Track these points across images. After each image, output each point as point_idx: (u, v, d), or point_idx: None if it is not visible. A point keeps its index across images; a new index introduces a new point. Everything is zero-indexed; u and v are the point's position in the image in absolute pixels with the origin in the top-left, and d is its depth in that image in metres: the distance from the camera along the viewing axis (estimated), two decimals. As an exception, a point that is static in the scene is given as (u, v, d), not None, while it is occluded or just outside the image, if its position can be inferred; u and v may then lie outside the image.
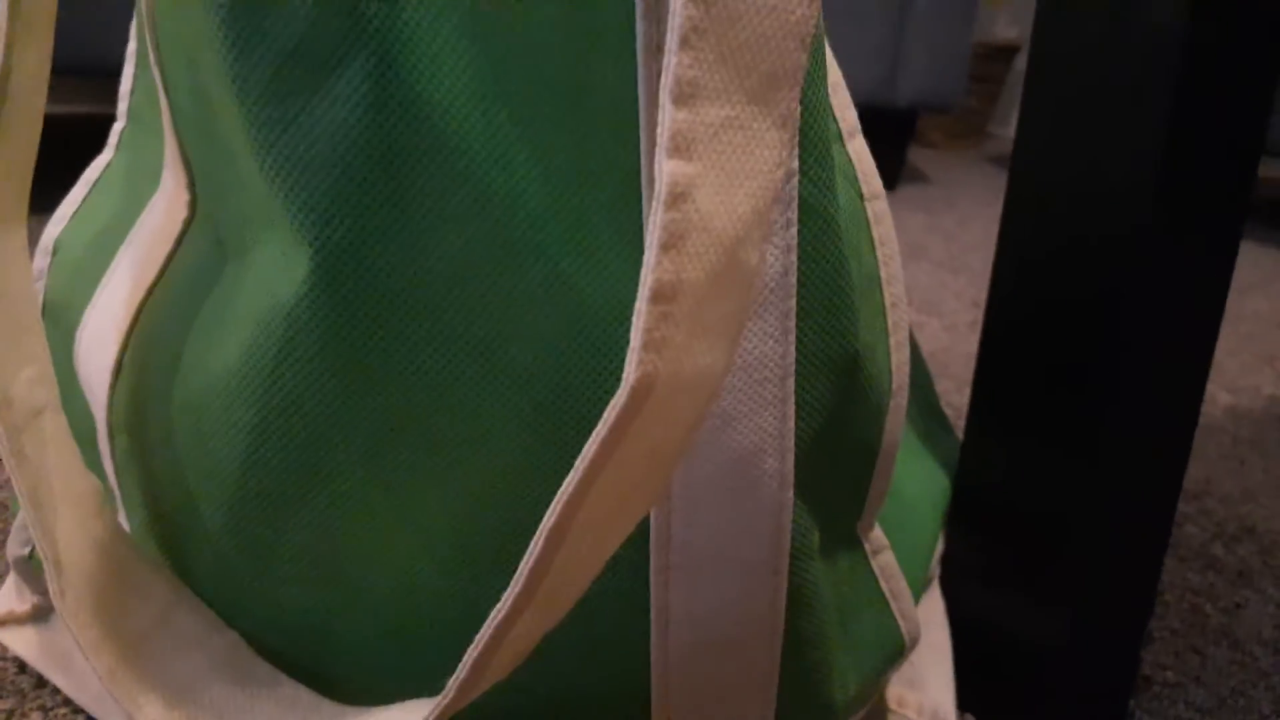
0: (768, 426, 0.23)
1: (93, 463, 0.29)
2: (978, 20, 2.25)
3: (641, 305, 0.16)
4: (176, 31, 0.24)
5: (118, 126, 0.32)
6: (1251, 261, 1.27)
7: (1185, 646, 0.41)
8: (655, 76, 0.21)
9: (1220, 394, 0.76)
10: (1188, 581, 0.47)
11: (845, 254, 0.24)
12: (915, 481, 0.36)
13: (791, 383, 0.23)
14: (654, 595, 0.24)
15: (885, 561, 0.30)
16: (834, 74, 0.26)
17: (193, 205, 0.26)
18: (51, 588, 0.23)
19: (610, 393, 0.22)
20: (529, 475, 0.23)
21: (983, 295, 0.98)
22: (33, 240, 0.84)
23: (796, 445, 0.24)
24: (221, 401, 0.23)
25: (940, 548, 0.37)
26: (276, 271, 0.22)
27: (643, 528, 0.24)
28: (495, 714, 0.26)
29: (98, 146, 1.35)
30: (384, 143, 0.21)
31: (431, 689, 0.25)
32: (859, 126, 0.26)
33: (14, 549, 0.33)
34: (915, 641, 0.31)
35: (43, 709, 0.33)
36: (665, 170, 0.17)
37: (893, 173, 1.60)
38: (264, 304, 0.22)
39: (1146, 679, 0.39)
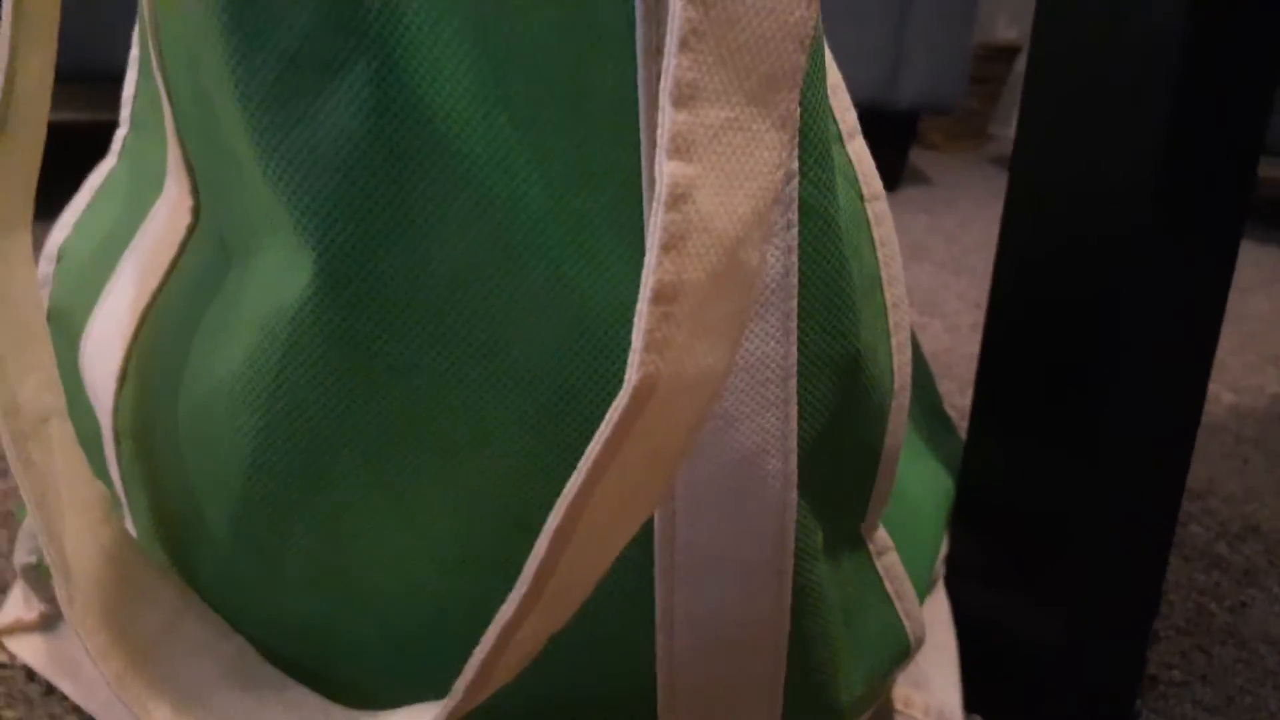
0: (770, 427, 0.23)
1: (99, 469, 0.29)
2: (978, 21, 2.25)
3: (643, 306, 0.17)
4: (179, 37, 0.24)
5: (121, 133, 0.33)
6: (1254, 261, 1.27)
7: (1191, 646, 0.41)
8: (655, 79, 0.21)
9: (1224, 393, 0.76)
10: (1193, 581, 0.47)
11: (846, 254, 0.24)
12: (919, 482, 0.36)
13: (794, 383, 0.23)
14: (659, 596, 0.24)
15: (890, 562, 0.30)
16: (833, 75, 0.26)
17: (196, 211, 0.26)
18: (59, 594, 0.23)
19: (613, 394, 0.22)
20: (533, 477, 0.23)
21: (985, 296, 0.98)
22: (37, 246, 0.84)
23: (799, 446, 0.24)
24: (226, 406, 0.23)
25: (945, 548, 0.37)
26: (280, 276, 0.22)
27: (647, 529, 0.24)
28: (502, 717, 0.26)
29: (101, 153, 1.35)
30: (386, 146, 0.21)
31: (439, 692, 0.25)
32: (859, 128, 0.26)
33: (21, 557, 0.33)
34: (920, 642, 0.31)
35: (51, 716, 0.33)
36: (666, 171, 0.17)
37: (894, 174, 1.60)
38: (268, 308, 0.22)
39: (1153, 678, 0.39)
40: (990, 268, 1.10)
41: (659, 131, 0.17)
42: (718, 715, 0.26)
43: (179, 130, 0.26)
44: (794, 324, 0.23)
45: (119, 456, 0.27)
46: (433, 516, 0.23)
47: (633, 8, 0.21)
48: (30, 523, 0.33)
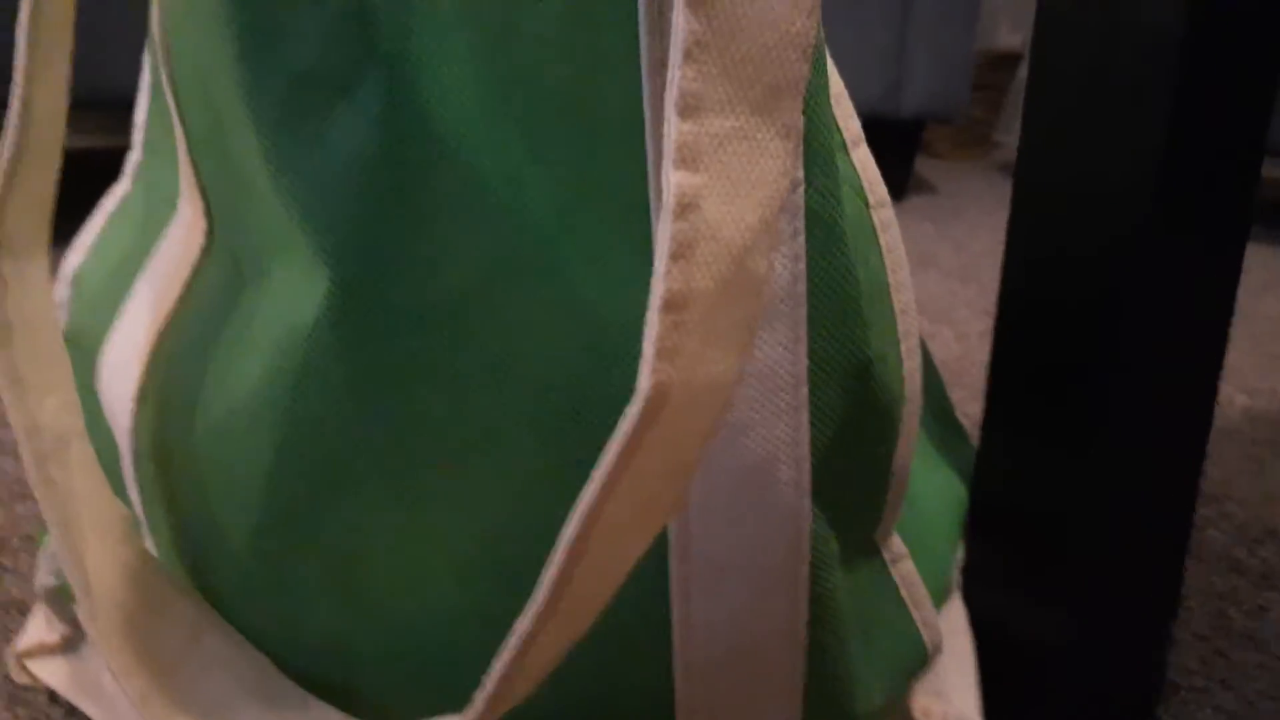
0: (782, 435, 0.23)
1: (118, 489, 0.29)
2: (980, 29, 2.26)
3: (653, 315, 0.17)
4: (190, 60, 0.24)
5: (133, 157, 0.33)
6: (1265, 263, 1.27)
7: (1210, 651, 0.41)
8: (660, 91, 0.21)
9: (1237, 396, 0.75)
10: (1211, 586, 0.47)
11: (853, 261, 0.24)
12: (932, 489, 0.36)
13: (804, 390, 0.23)
14: (675, 606, 0.24)
15: (905, 570, 0.30)
16: (836, 85, 0.26)
17: (209, 232, 0.27)
18: (82, 613, 0.24)
19: (626, 404, 0.22)
20: (548, 489, 0.23)
21: (994, 304, 0.98)
22: (53, 271, 0.85)
23: (812, 454, 0.24)
24: (243, 425, 0.23)
25: (960, 555, 0.37)
26: (294, 293, 0.22)
27: (661, 539, 0.24)
28: (520, 729, 0.26)
29: (114, 177, 1.36)
30: (397, 164, 0.21)
31: (458, 705, 0.26)
32: (863, 136, 0.26)
33: (43, 579, 0.33)
34: (938, 650, 0.31)
35: (72, 737, 0.33)
36: (672, 181, 0.17)
37: (900, 183, 1.60)
38: (283, 326, 0.23)
39: (1173, 684, 0.39)
40: (998, 275, 1.10)
41: (665, 142, 0.17)
42: (736, 724, 0.26)
43: (191, 152, 0.26)
44: (803, 331, 0.23)
45: (138, 477, 0.27)
46: (449, 530, 0.24)
47: (637, 22, 0.21)
48: (51, 545, 0.33)
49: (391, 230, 0.22)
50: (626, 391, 0.22)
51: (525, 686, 0.20)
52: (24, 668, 0.34)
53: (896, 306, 0.27)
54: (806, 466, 0.24)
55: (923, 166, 2.06)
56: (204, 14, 0.23)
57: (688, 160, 0.17)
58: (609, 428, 0.23)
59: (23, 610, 0.40)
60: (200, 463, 0.25)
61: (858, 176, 0.26)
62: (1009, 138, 2.32)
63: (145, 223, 0.31)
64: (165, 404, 0.26)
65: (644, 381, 0.17)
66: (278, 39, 0.21)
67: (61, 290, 0.32)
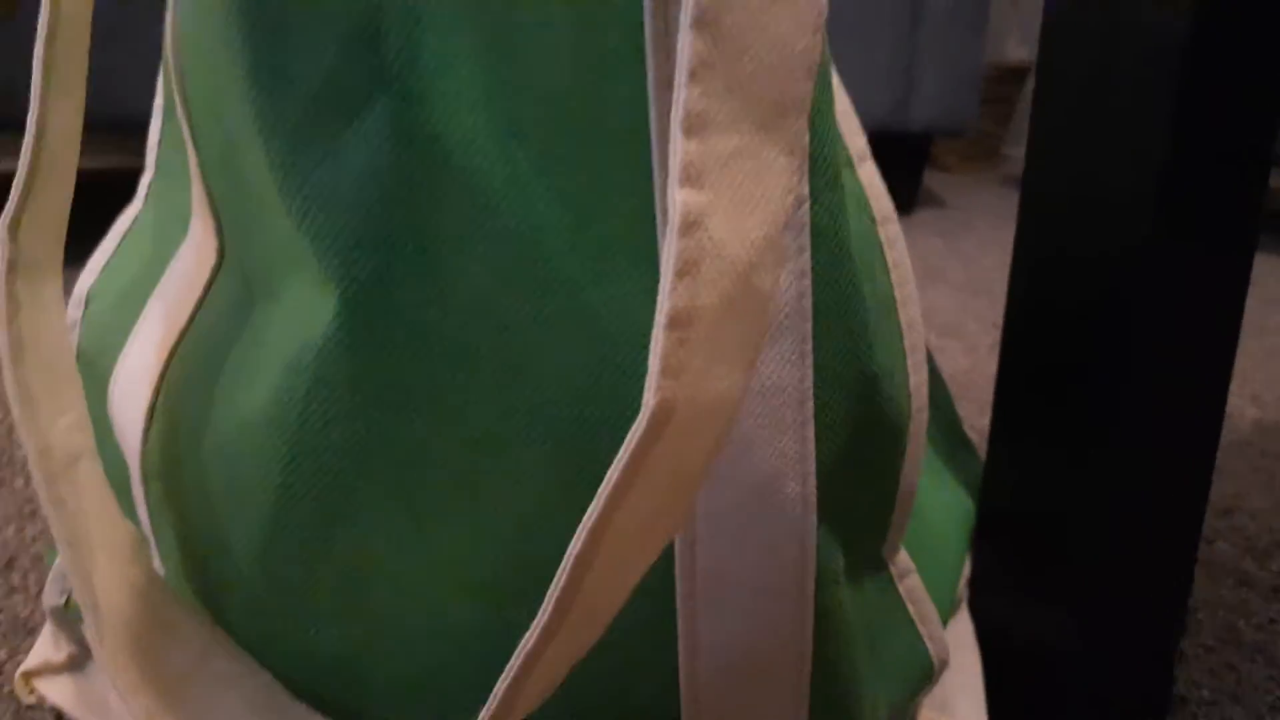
0: (788, 450, 0.23)
1: (127, 509, 0.29)
2: (988, 42, 2.26)
3: (658, 332, 0.17)
4: (202, 81, 0.25)
5: (146, 178, 0.33)
6: (1275, 275, 1.27)
7: (1220, 663, 0.41)
8: (666, 110, 0.21)
9: (1248, 409, 0.75)
10: (1221, 598, 0.46)
11: (859, 277, 0.24)
12: (940, 504, 0.36)
13: (810, 406, 0.23)
14: (681, 622, 0.24)
15: (912, 585, 0.30)
16: (842, 101, 0.26)
17: (221, 251, 0.27)
18: (89, 632, 0.24)
19: (633, 420, 0.23)
20: (556, 505, 0.23)
21: (1002, 317, 0.98)
22: (66, 291, 0.85)
23: (818, 469, 0.24)
24: (253, 442, 0.24)
25: (967, 570, 0.37)
26: (304, 312, 0.23)
27: (667, 555, 0.24)
28: (528, 746, 0.26)
29: (128, 199, 1.37)
30: (407, 181, 0.22)
31: (464, 722, 0.26)
32: (869, 152, 0.27)
33: (50, 599, 0.33)
34: (944, 665, 0.31)
35: (81, 754, 0.33)
36: (678, 199, 0.17)
37: (909, 197, 1.60)
38: (293, 344, 0.23)
39: (1182, 698, 0.39)
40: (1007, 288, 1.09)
41: (670, 160, 0.17)
42: (744, 741, 0.26)
43: (203, 172, 0.27)
44: (809, 347, 0.23)
45: (147, 497, 0.27)
46: (457, 547, 0.24)
47: (643, 41, 0.21)
48: (59, 565, 0.33)
49: (401, 248, 0.22)
50: (633, 406, 0.23)
51: (530, 701, 0.20)
52: (31, 687, 0.34)
53: (903, 321, 0.27)
54: (813, 482, 0.24)
55: (931, 180, 2.06)
56: (215, 37, 0.23)
57: (693, 178, 0.17)
58: (616, 443, 0.23)
59: (31, 629, 0.40)
60: (209, 482, 0.25)
61: (864, 192, 0.26)
62: (1017, 151, 2.32)
63: (158, 243, 0.32)
64: (175, 423, 0.26)
65: (650, 398, 0.17)
66: (288, 61, 0.22)
67: (74, 310, 0.33)
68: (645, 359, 0.22)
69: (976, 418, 0.70)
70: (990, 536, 0.36)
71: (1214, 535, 0.53)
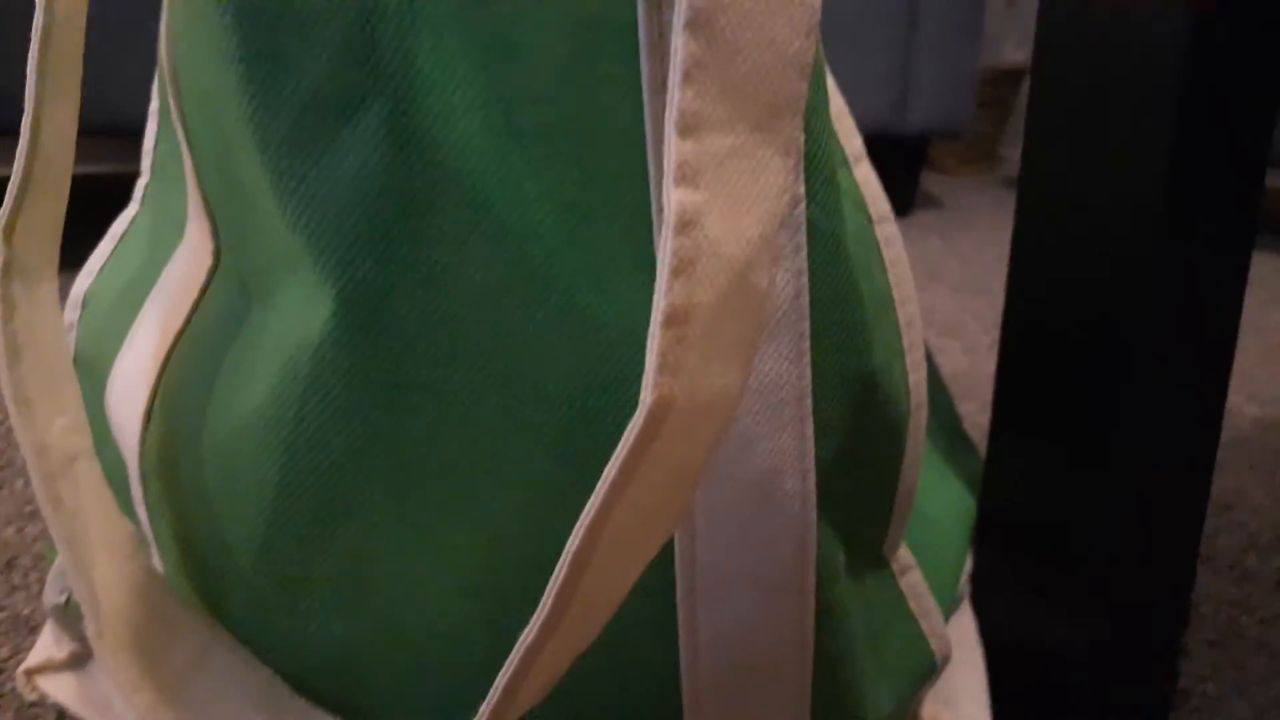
0: (787, 447, 0.24)
1: (126, 509, 0.29)
2: (985, 45, 2.26)
3: (655, 329, 0.17)
4: (197, 86, 0.25)
5: (142, 181, 0.33)
6: (1276, 274, 1.27)
7: (1223, 658, 0.41)
8: (661, 111, 0.21)
9: (1248, 406, 0.75)
10: (1223, 593, 0.46)
11: (856, 276, 0.24)
12: (940, 501, 0.36)
13: (809, 403, 0.24)
14: (682, 619, 0.24)
15: (913, 581, 0.30)
16: (837, 102, 0.26)
17: (217, 254, 0.27)
18: (90, 630, 0.24)
19: (630, 418, 0.23)
20: (554, 504, 0.23)
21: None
22: (64, 295, 0.85)
23: (817, 466, 0.24)
24: (250, 443, 0.24)
25: (969, 566, 0.37)
26: (301, 313, 0.23)
27: (667, 552, 0.24)
28: (528, 745, 0.26)
29: (124, 204, 1.37)
30: (402, 183, 0.22)
31: (466, 719, 0.26)
32: (864, 152, 0.27)
33: (51, 597, 0.33)
34: (946, 660, 0.31)
35: (82, 756, 0.33)
36: (673, 199, 0.17)
37: (907, 199, 1.61)
38: (289, 345, 0.23)
39: (1185, 692, 0.39)
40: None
41: (665, 161, 0.17)
42: (744, 738, 0.26)
43: (198, 175, 0.27)
44: (807, 345, 0.23)
45: (146, 496, 0.28)
46: (455, 544, 0.24)
47: (637, 43, 0.22)
48: (60, 563, 0.34)
49: (396, 249, 0.22)
50: (631, 406, 0.23)
51: (530, 699, 0.20)
52: (33, 684, 0.34)
53: (901, 320, 0.27)
54: (812, 478, 0.24)
55: (929, 182, 2.06)
56: (210, 42, 0.23)
57: (688, 178, 0.17)
58: (614, 442, 0.23)
59: (33, 628, 0.40)
60: (207, 482, 0.25)
61: (860, 192, 0.26)
62: (1014, 152, 2.33)
63: (154, 245, 0.32)
64: (172, 424, 0.26)
65: (647, 395, 0.17)
66: (283, 65, 0.22)
67: (71, 313, 0.33)
68: (642, 358, 0.22)
69: (978, 416, 0.70)
70: (991, 534, 0.36)
71: (1216, 531, 0.53)
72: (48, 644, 0.35)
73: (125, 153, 1.79)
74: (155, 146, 0.33)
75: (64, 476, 0.25)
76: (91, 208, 1.35)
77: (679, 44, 0.17)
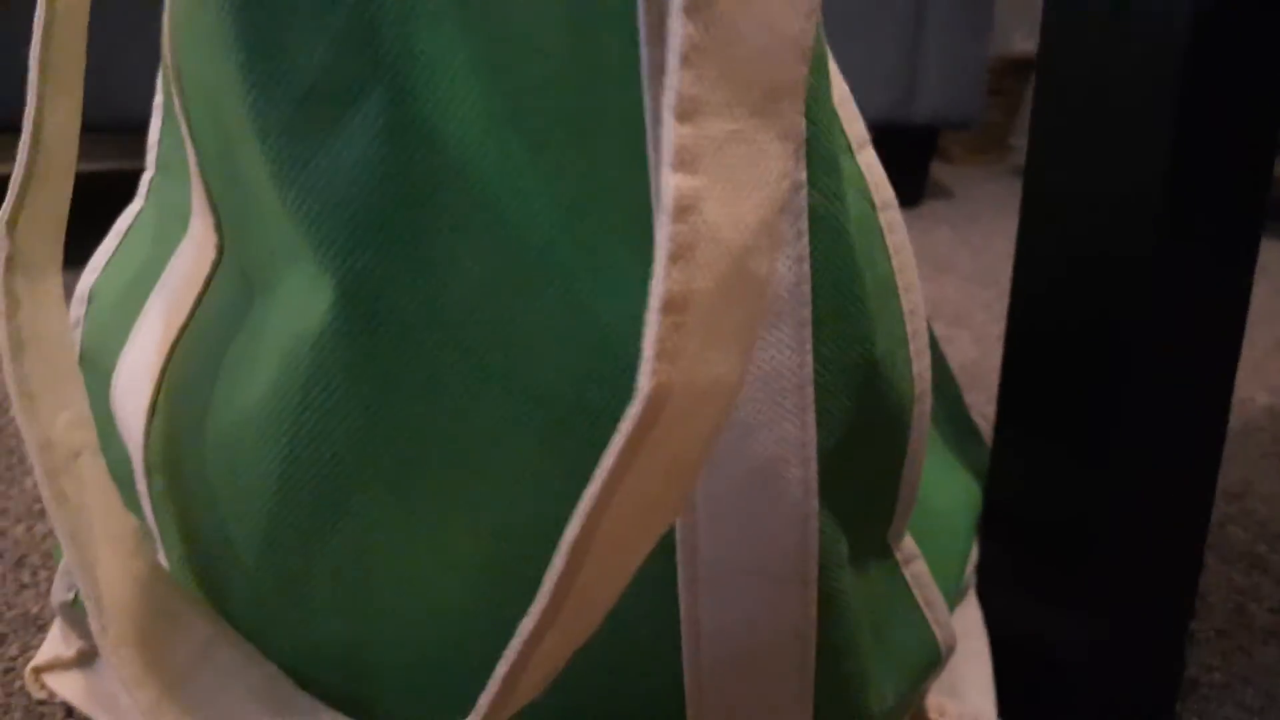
0: (789, 435, 0.23)
1: (131, 503, 0.29)
2: (994, 35, 2.25)
3: (653, 316, 0.17)
4: (199, 78, 0.25)
5: (147, 176, 0.33)
6: (1285, 260, 1.26)
7: (1232, 647, 0.41)
8: (660, 98, 0.21)
9: (1260, 394, 0.75)
10: (1232, 582, 0.46)
11: (859, 262, 0.24)
12: (945, 491, 0.36)
13: (810, 391, 0.23)
14: (683, 609, 0.24)
15: (917, 570, 0.30)
16: (840, 88, 0.26)
17: (220, 247, 0.27)
18: (93, 625, 0.24)
19: (630, 408, 0.22)
20: (556, 495, 0.23)
21: (1011, 306, 0.97)
22: (71, 291, 0.86)
23: (819, 454, 0.24)
24: (252, 435, 0.24)
25: (975, 556, 0.37)
26: (301, 304, 0.23)
27: (669, 542, 0.24)
28: (533, 736, 0.26)
29: (129, 200, 1.38)
30: (401, 174, 0.22)
31: (468, 713, 0.26)
32: (868, 138, 0.26)
33: (59, 595, 0.34)
34: (951, 650, 0.31)
35: (91, 750, 0.33)
36: (671, 184, 0.17)
37: (916, 189, 1.60)
38: (289, 337, 0.23)
39: (1194, 681, 0.38)
40: (1015, 278, 1.09)
41: (663, 145, 0.17)
42: (749, 729, 0.26)
43: (202, 169, 0.27)
44: (808, 332, 0.23)
45: (150, 490, 0.28)
46: (456, 537, 0.24)
47: (637, 30, 0.21)
48: (67, 561, 0.34)
49: (396, 240, 0.22)
50: (631, 397, 0.22)
51: (530, 690, 0.20)
52: (41, 682, 0.34)
53: (905, 308, 0.27)
54: (814, 467, 0.24)
55: (939, 171, 2.05)
56: (210, 34, 0.23)
57: (686, 163, 0.17)
58: (613, 433, 0.23)
59: (41, 626, 0.40)
60: (210, 475, 0.25)
61: (863, 179, 0.26)
62: (1024, 142, 2.31)
63: (159, 240, 0.32)
64: (176, 417, 0.26)
65: (644, 382, 0.17)
66: (282, 57, 0.22)
67: (77, 308, 0.33)
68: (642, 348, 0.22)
69: (986, 406, 0.70)
70: (997, 525, 0.36)
71: (1225, 520, 0.53)
72: (56, 642, 0.35)
73: (132, 149, 1.80)
74: (160, 141, 0.33)
75: (68, 472, 0.25)
76: (98, 204, 1.36)
77: (676, 27, 0.17)
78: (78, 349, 0.32)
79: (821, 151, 0.23)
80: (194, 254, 0.28)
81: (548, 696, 0.25)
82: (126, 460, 0.29)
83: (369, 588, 0.24)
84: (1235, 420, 0.69)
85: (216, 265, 0.27)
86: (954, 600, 0.34)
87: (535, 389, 0.23)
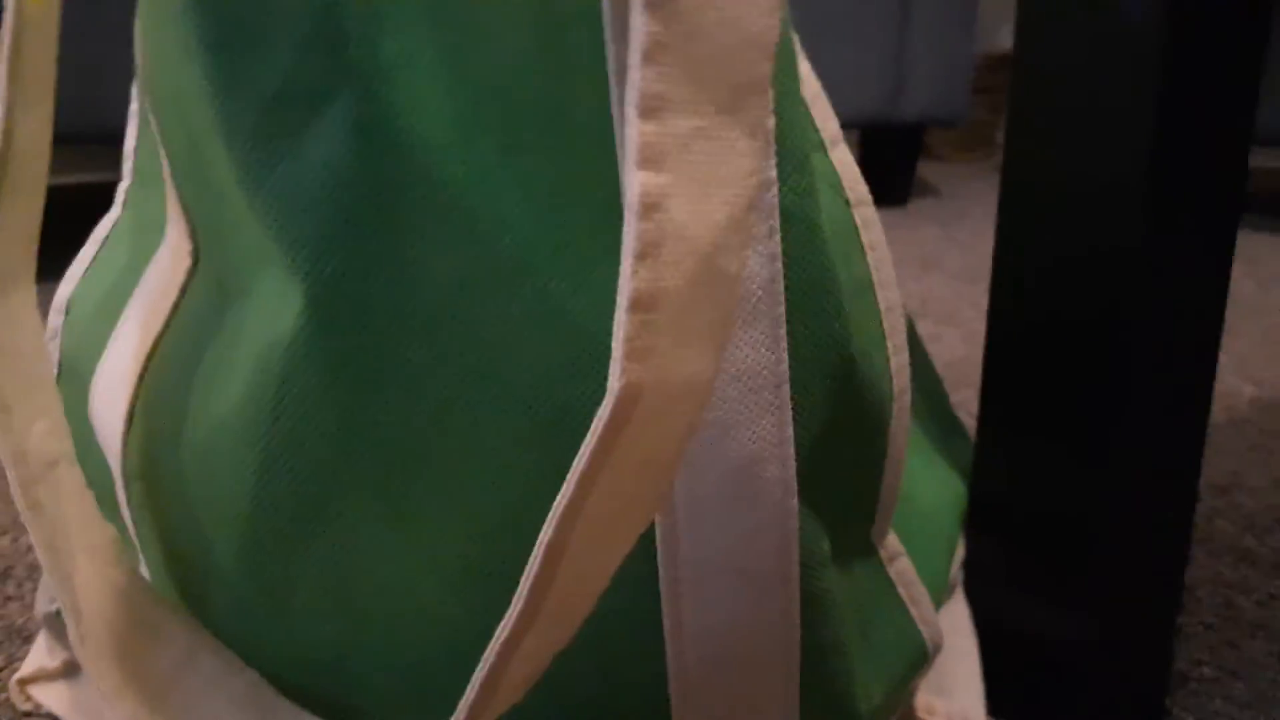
0: (766, 434, 0.23)
1: (111, 513, 0.29)
2: (980, 32, 2.26)
3: (621, 315, 0.17)
4: (168, 85, 0.25)
5: (124, 185, 0.33)
6: (1273, 254, 1.26)
7: (1221, 641, 0.41)
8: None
9: (1245, 386, 0.75)
10: (1220, 575, 0.46)
11: (833, 260, 0.24)
12: (930, 487, 0.35)
13: (786, 389, 0.23)
14: (666, 611, 0.24)
15: (902, 568, 0.30)
16: (813, 85, 0.26)
17: (195, 254, 0.27)
18: (71, 636, 0.24)
19: (607, 407, 0.22)
20: (535, 496, 0.23)
21: (1000, 303, 0.97)
22: (48, 301, 0.86)
23: (798, 452, 0.24)
24: (228, 442, 0.24)
25: (961, 553, 0.37)
26: (273, 309, 0.23)
27: (650, 543, 0.24)
28: (517, 740, 0.26)
29: (106, 212, 1.37)
30: (370, 176, 0.21)
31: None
32: (841, 135, 0.26)
33: (43, 606, 0.33)
34: (938, 648, 0.31)
35: (76, 763, 0.33)
36: (636, 181, 0.17)
37: (903, 187, 1.60)
38: (262, 342, 0.23)
39: (1183, 675, 0.38)
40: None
41: (628, 143, 0.17)
42: (734, 728, 0.26)
43: (174, 176, 0.27)
44: (783, 331, 0.23)
45: (130, 499, 0.27)
46: (438, 540, 0.24)
47: (603, 29, 0.21)
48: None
49: (366, 242, 0.22)
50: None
51: (511, 693, 0.19)
52: (27, 694, 0.34)
53: (882, 304, 0.27)
54: (793, 465, 0.24)
55: (926, 169, 2.06)
56: (176, 37, 0.23)
57: (651, 160, 0.17)
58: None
59: (26, 637, 0.40)
60: (188, 484, 0.25)
61: (837, 176, 0.26)
62: (1012, 138, 2.32)
63: (136, 248, 0.32)
64: (153, 426, 0.26)
65: (614, 381, 0.17)
66: (248, 57, 0.22)
67: (55, 318, 0.33)
68: (618, 346, 0.22)
69: (974, 403, 0.70)
70: (982, 521, 0.36)
71: (1213, 513, 0.53)
72: (41, 654, 0.35)
73: (111, 161, 1.80)
74: (136, 149, 0.33)
75: (44, 481, 0.24)
76: (77, 216, 1.35)
77: (638, 24, 0.17)
78: (56, 359, 0.32)
79: (791, 149, 0.23)
80: (170, 261, 0.28)
81: (532, 699, 0.25)
82: (106, 470, 0.29)
83: (351, 593, 0.24)
84: (1222, 413, 0.69)
85: (191, 272, 0.27)
86: (940, 598, 0.34)
87: (513, 390, 0.22)
